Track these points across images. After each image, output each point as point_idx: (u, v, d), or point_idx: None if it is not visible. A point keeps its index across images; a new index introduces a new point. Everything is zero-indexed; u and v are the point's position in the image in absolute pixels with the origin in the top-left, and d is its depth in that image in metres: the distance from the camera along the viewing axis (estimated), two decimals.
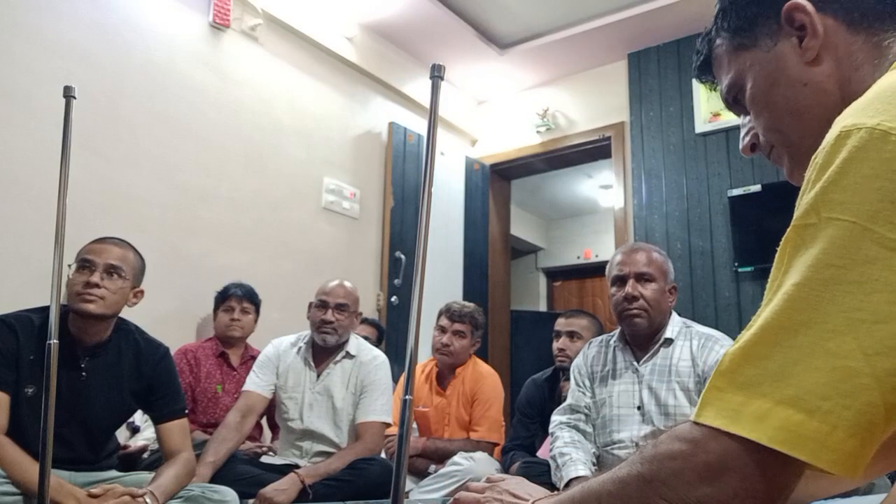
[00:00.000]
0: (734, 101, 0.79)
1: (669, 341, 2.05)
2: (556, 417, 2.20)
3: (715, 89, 0.83)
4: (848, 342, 0.48)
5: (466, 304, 3.10)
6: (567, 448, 2.04)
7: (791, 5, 0.69)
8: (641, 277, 2.04)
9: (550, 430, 2.19)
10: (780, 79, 0.71)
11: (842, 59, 0.68)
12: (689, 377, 1.98)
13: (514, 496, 0.82)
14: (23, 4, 2.69)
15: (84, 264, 1.81)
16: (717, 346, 2.01)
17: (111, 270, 1.83)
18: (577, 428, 2.13)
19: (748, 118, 0.78)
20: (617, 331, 2.21)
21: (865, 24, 0.68)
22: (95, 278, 1.79)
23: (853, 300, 0.49)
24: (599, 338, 2.28)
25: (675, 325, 2.08)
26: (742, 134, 0.80)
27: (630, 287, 2.03)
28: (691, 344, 2.04)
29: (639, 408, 2.03)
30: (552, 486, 2.04)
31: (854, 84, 0.66)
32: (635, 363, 2.08)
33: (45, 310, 1.85)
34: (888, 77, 0.58)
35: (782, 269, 0.54)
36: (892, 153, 0.50)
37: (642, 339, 2.09)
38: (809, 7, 0.69)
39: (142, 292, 1.95)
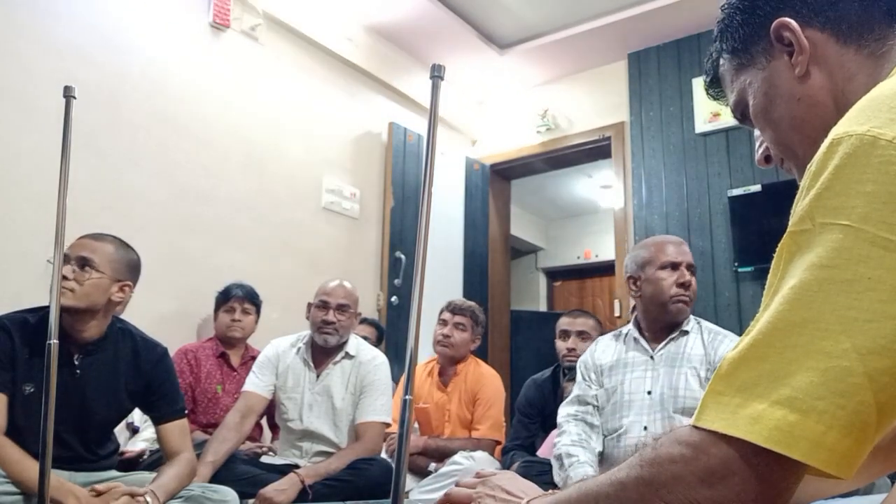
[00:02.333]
0: (742, 117, 0.81)
1: (684, 333, 2.15)
2: (565, 409, 2.23)
3: (727, 104, 0.85)
4: (842, 341, 0.49)
5: (468, 300, 3.18)
6: (574, 448, 2.07)
7: (777, 24, 0.71)
8: (690, 268, 2.15)
9: (558, 423, 2.22)
10: (776, 95, 0.73)
11: (833, 70, 0.70)
12: (700, 364, 2.07)
13: (507, 492, 0.82)
14: (23, 4, 2.69)
15: (63, 260, 1.82)
16: (727, 340, 2.11)
17: (81, 262, 1.81)
18: (584, 421, 2.17)
19: None
20: (630, 323, 2.27)
21: (855, 36, 0.69)
22: (66, 271, 1.78)
23: (846, 299, 0.49)
24: (613, 332, 2.34)
25: (690, 319, 2.18)
26: (756, 146, 0.83)
27: (688, 275, 2.13)
28: (703, 337, 2.13)
29: (649, 392, 2.09)
30: (552, 486, 2.04)
31: (848, 95, 0.68)
32: (650, 351, 2.16)
33: (39, 310, 1.86)
34: (879, 87, 0.59)
35: (778, 275, 0.55)
36: (881, 157, 0.50)
37: (662, 328, 2.16)
38: (794, 24, 0.70)
39: (129, 286, 1.91)
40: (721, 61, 0.81)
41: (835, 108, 0.68)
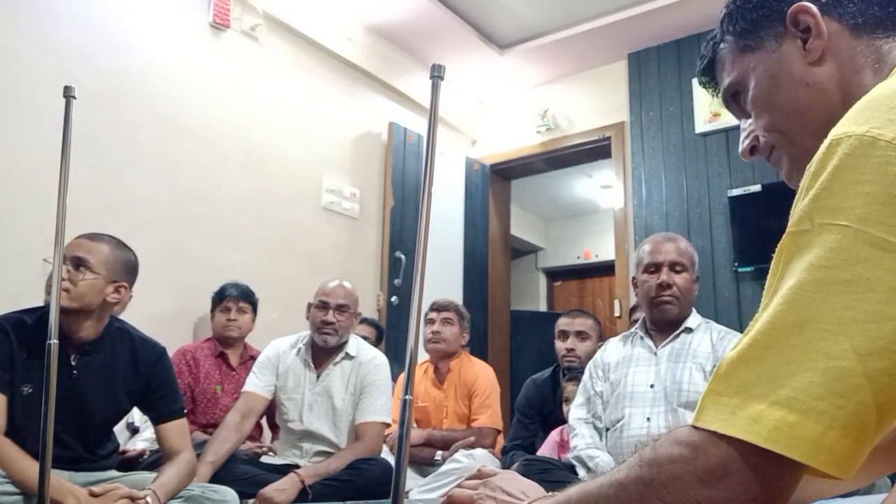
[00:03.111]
0: (733, 99, 0.80)
1: (689, 330, 2.16)
2: (575, 412, 2.29)
3: (715, 95, 0.84)
4: (841, 342, 0.49)
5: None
6: (594, 451, 2.13)
7: (797, 7, 0.71)
8: (674, 266, 2.15)
9: (571, 424, 2.29)
10: (783, 79, 0.73)
11: (843, 62, 0.70)
12: (706, 360, 2.08)
13: (508, 493, 0.82)
14: (23, 4, 2.69)
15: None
16: (736, 339, 2.09)
17: (76, 263, 1.80)
18: (594, 426, 2.22)
19: (748, 122, 0.80)
20: (638, 323, 2.31)
21: (868, 30, 0.70)
22: (62, 272, 1.78)
23: (845, 300, 0.49)
24: (623, 334, 2.37)
25: (696, 318, 2.20)
26: (742, 137, 0.82)
27: (665, 275, 2.13)
28: (711, 335, 2.15)
29: (651, 386, 2.11)
30: (554, 484, 2.05)
31: (854, 87, 0.68)
32: (654, 348, 2.19)
33: (37, 310, 1.85)
34: (879, 87, 0.59)
35: (777, 275, 0.55)
36: (880, 158, 0.51)
37: (664, 326, 2.19)
38: (814, 9, 0.71)
39: (125, 287, 1.89)
40: (723, 44, 0.80)
41: (841, 99, 0.68)
